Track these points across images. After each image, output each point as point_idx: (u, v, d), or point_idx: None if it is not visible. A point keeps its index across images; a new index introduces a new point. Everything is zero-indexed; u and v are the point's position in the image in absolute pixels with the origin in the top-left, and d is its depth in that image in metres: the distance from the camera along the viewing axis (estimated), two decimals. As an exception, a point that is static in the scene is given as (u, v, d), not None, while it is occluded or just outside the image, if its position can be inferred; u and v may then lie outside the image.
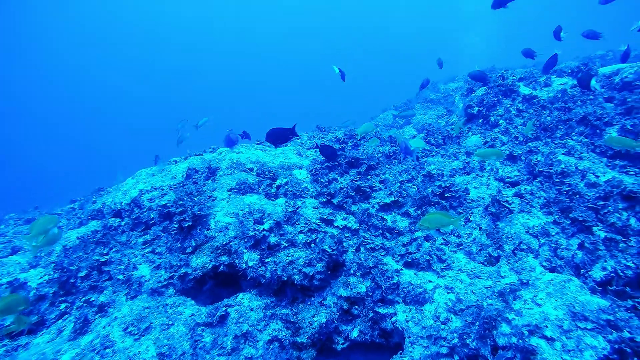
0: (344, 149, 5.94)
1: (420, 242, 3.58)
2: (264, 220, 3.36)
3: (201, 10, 57.42)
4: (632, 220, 3.13)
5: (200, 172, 4.35)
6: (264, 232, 3.20)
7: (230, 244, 3.25)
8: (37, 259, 3.72)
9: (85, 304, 2.84)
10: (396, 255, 3.41)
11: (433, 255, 3.31)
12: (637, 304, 2.46)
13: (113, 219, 3.86)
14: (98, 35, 51.33)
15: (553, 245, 3.11)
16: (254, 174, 4.44)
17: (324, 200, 3.76)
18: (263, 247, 3.16)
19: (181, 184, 4.26)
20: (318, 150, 4.33)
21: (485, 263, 3.26)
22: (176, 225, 3.28)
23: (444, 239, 3.68)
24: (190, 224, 3.26)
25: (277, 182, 4.19)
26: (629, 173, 4.08)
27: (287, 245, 3.21)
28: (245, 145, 4.92)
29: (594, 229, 3.19)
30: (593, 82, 4.20)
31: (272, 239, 3.18)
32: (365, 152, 5.32)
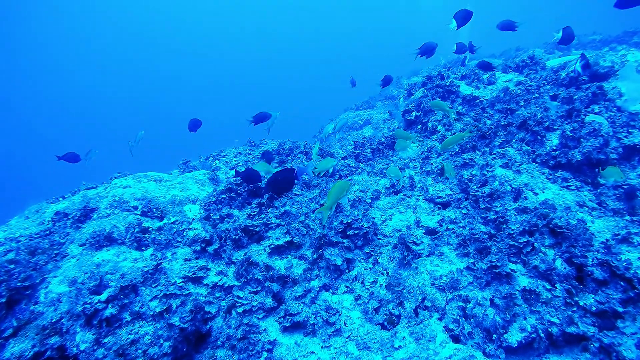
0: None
1: (314, 294, 2.92)
2: (110, 283, 2.68)
3: (189, 12, 56.07)
4: (558, 262, 2.49)
5: (70, 216, 3.63)
6: (99, 303, 2.51)
7: (62, 320, 2.57)
8: None
9: None
10: (279, 317, 2.75)
11: (319, 319, 2.65)
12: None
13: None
14: (87, 37, 49.90)
15: (461, 302, 2.47)
16: (139, 212, 3.74)
17: (199, 248, 3.08)
18: (96, 323, 2.48)
19: (46, 232, 3.55)
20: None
21: (386, 323, 2.61)
22: (-11, 303, 2.57)
23: (347, 287, 3.02)
24: (4, 300, 2.56)
25: (157, 224, 3.51)
26: (570, 187, 3.46)
27: (131, 318, 2.53)
28: (136, 175, 4.21)
29: (515, 274, 2.54)
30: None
31: (108, 312, 2.50)
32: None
